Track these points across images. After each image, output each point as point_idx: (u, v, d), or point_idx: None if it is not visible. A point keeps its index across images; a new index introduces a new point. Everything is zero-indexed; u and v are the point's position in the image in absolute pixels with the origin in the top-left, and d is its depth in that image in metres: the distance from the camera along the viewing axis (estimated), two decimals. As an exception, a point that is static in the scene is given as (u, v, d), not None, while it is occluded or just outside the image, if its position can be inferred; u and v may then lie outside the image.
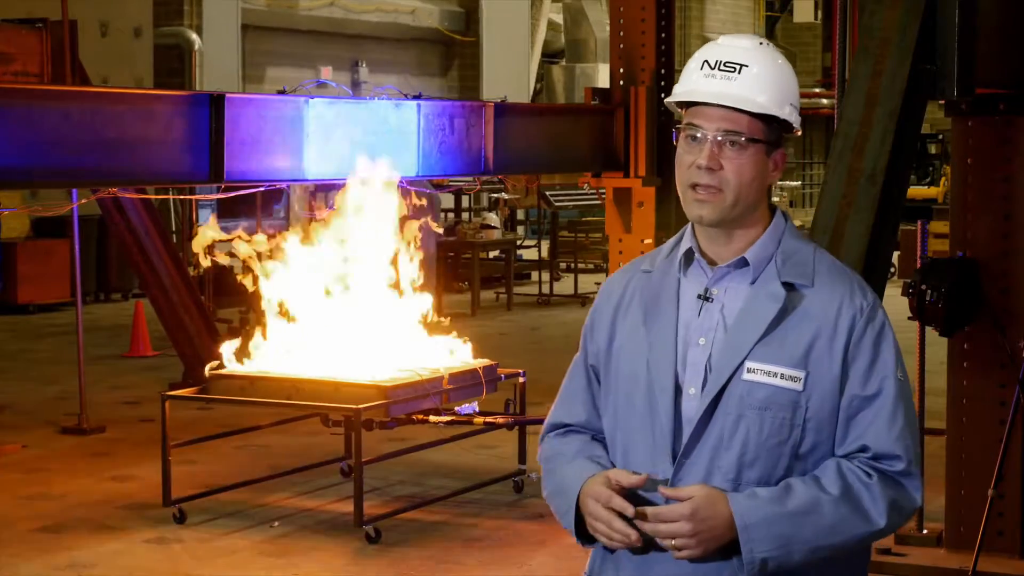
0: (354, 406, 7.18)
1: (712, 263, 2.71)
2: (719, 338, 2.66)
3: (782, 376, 2.63)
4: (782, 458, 2.64)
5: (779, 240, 2.71)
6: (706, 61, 2.68)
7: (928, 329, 6.62)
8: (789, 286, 2.67)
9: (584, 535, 2.71)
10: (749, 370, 2.63)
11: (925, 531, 6.82)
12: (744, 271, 2.69)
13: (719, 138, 2.64)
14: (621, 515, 2.62)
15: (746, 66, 2.65)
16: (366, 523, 7.22)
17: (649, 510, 2.60)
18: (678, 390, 2.67)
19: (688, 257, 2.73)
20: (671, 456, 2.65)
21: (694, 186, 2.66)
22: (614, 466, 2.73)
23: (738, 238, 2.70)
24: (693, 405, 2.66)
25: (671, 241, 2.80)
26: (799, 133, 2.74)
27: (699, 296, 2.70)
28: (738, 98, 2.64)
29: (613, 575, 2.73)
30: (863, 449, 2.65)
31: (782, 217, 2.75)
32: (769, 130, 2.67)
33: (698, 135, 2.66)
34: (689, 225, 2.76)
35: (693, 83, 2.69)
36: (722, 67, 2.66)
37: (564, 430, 2.85)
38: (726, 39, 2.72)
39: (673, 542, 2.58)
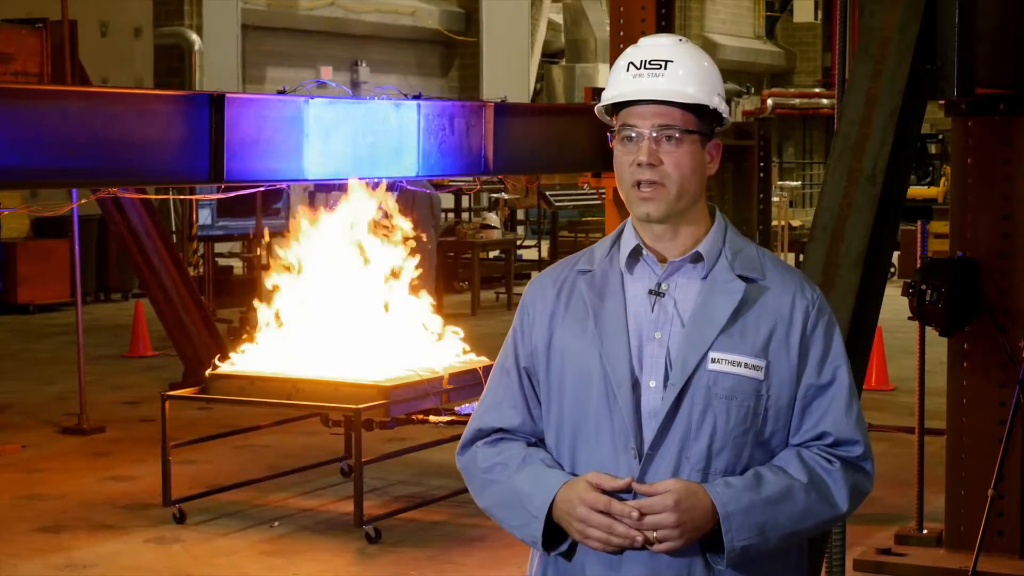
0: (354, 406, 7.18)
1: (661, 260, 2.74)
2: (676, 331, 2.69)
3: (745, 365, 2.68)
4: (746, 446, 2.69)
5: (724, 237, 2.77)
6: (631, 63, 2.73)
7: (928, 329, 6.62)
8: (744, 279, 2.72)
9: (549, 542, 2.69)
10: (713, 360, 2.67)
11: (925, 531, 6.83)
12: (696, 266, 2.74)
13: (655, 134, 2.69)
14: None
15: (671, 61, 2.71)
16: (366, 523, 7.22)
17: (630, 505, 2.61)
18: (635, 385, 2.68)
19: (634, 255, 2.75)
20: (636, 451, 2.66)
21: (637, 184, 2.70)
22: (562, 468, 2.73)
23: (684, 234, 2.74)
24: (655, 398, 2.67)
25: (606, 241, 2.82)
26: (730, 124, 2.81)
27: (650, 291, 2.73)
28: (668, 92, 2.69)
29: None
30: (822, 436, 2.72)
31: (722, 216, 2.81)
32: (702, 122, 2.72)
33: (633, 134, 2.71)
34: (628, 224, 2.79)
35: (621, 85, 2.74)
36: (647, 65, 2.71)
37: (494, 438, 2.81)
38: (645, 40, 2.78)
39: (655, 534, 2.59)
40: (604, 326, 2.71)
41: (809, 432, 2.72)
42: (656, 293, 2.72)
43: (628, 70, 2.73)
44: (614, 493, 2.62)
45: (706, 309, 2.69)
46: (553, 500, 2.66)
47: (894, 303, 7.29)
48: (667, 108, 2.69)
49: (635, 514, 2.59)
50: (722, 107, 2.74)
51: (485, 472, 2.79)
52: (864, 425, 2.77)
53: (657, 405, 2.67)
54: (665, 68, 2.70)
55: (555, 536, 2.70)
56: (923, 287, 6.31)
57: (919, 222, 7.13)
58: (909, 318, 6.48)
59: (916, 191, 26.10)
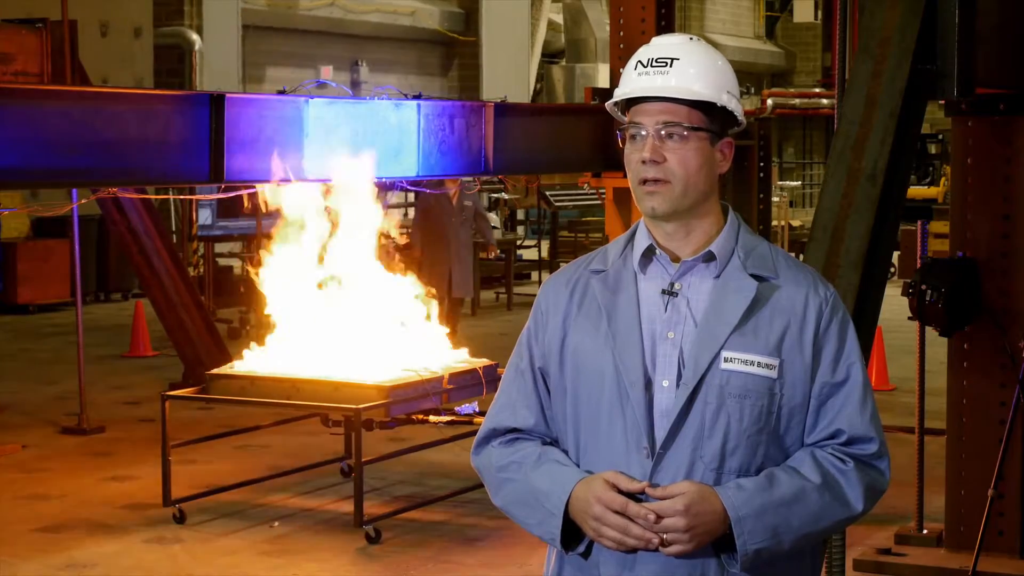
0: (354, 406, 7.18)
1: (674, 259, 2.74)
2: (689, 331, 2.69)
3: (758, 364, 2.67)
4: (760, 445, 2.68)
5: (736, 235, 2.77)
6: (639, 61, 2.74)
7: (928, 329, 6.62)
8: (757, 278, 2.72)
9: (567, 541, 2.69)
10: (726, 359, 2.66)
11: (925, 531, 6.83)
12: (708, 265, 2.73)
13: (661, 132, 2.69)
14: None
15: (677, 59, 2.71)
16: (366, 523, 7.22)
17: (646, 507, 2.61)
18: (648, 384, 2.68)
19: (647, 254, 2.75)
20: (648, 450, 2.66)
21: (643, 181, 2.70)
22: (577, 466, 2.73)
23: (696, 233, 2.74)
24: (668, 397, 2.67)
25: (620, 241, 2.82)
26: (744, 124, 2.79)
27: (664, 291, 2.72)
28: (673, 88, 2.69)
29: None
30: (836, 434, 2.71)
31: (735, 214, 2.81)
32: (711, 120, 2.71)
33: (641, 133, 2.71)
34: (641, 224, 2.79)
35: (629, 83, 2.74)
36: (654, 63, 2.71)
37: (509, 438, 2.82)
38: (657, 39, 2.78)
39: (665, 537, 2.59)
40: (617, 326, 2.71)
41: (824, 431, 2.71)
42: (669, 293, 2.72)
43: (636, 68, 2.73)
44: (630, 494, 2.62)
45: (718, 308, 2.69)
46: (570, 497, 2.66)
47: (894, 303, 7.28)
48: (672, 105, 2.69)
49: (651, 517, 2.59)
50: (732, 105, 2.73)
51: (500, 471, 2.79)
52: (879, 423, 2.76)
53: (670, 404, 2.66)
54: (671, 66, 2.69)
55: (573, 533, 2.69)
56: (923, 287, 6.31)
57: (919, 222, 7.13)
58: (909, 318, 6.48)
59: (916, 191, 26.11)
